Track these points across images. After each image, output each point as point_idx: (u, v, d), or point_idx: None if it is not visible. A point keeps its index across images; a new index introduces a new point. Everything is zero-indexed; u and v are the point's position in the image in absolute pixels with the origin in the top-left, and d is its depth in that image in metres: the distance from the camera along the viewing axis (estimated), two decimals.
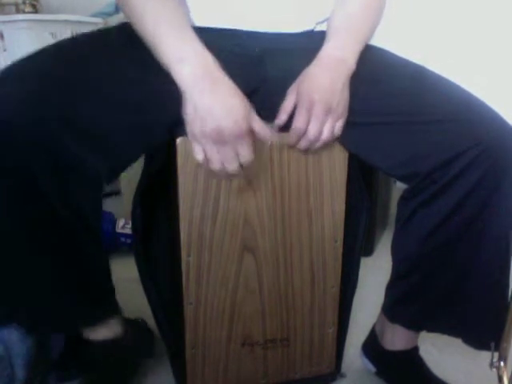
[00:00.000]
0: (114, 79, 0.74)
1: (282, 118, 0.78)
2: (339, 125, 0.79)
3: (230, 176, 0.75)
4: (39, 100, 0.68)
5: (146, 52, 0.75)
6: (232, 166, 0.73)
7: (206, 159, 0.73)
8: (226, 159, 0.72)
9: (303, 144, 0.79)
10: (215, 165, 0.73)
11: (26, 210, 0.72)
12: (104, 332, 0.90)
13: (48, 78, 0.71)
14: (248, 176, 0.81)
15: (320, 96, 0.75)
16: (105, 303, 0.88)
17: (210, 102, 0.71)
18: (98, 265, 0.84)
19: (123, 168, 0.78)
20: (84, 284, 0.82)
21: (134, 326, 0.98)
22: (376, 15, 0.87)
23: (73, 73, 0.73)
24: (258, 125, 0.73)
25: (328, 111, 0.76)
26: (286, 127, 0.79)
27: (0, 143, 0.67)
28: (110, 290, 0.88)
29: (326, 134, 0.78)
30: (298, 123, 0.77)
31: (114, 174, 0.78)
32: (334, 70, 0.78)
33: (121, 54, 0.78)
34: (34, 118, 0.67)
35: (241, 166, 0.74)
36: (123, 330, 0.93)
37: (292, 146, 0.81)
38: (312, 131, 0.77)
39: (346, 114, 0.78)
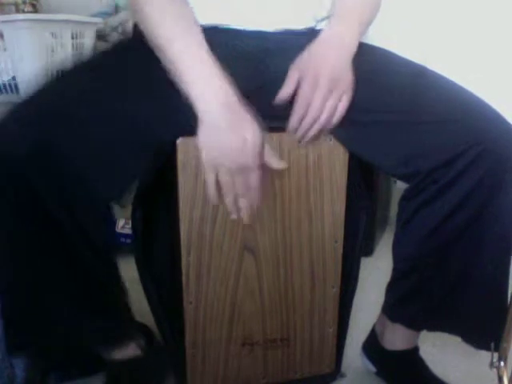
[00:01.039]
0: (120, 101, 0.75)
1: (286, 90, 0.77)
2: (344, 100, 0.77)
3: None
4: (47, 128, 0.71)
5: (153, 66, 0.75)
6: (241, 189, 0.74)
7: (217, 185, 0.74)
8: (237, 185, 0.74)
9: (305, 124, 0.78)
10: (226, 189, 0.74)
11: (34, 232, 0.73)
12: (123, 352, 0.92)
13: (53, 107, 0.74)
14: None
15: (325, 69, 0.75)
16: (120, 325, 0.90)
17: (229, 136, 0.71)
18: (110, 286, 0.86)
19: (129, 185, 0.79)
20: (97, 306, 0.84)
21: (151, 344, 0.99)
22: (374, 2, 0.88)
23: (77, 99, 0.75)
24: (272, 157, 0.76)
25: (332, 85, 0.75)
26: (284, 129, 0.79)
27: (8, 167, 0.69)
28: (126, 311, 0.90)
29: (328, 110, 0.76)
30: (301, 99, 0.76)
31: (122, 192, 0.79)
32: (337, 48, 0.79)
33: (128, 70, 0.79)
34: (41, 147, 0.70)
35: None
36: (140, 350, 0.94)
37: (293, 131, 0.79)
38: (315, 105, 0.76)
39: (351, 91, 0.78)
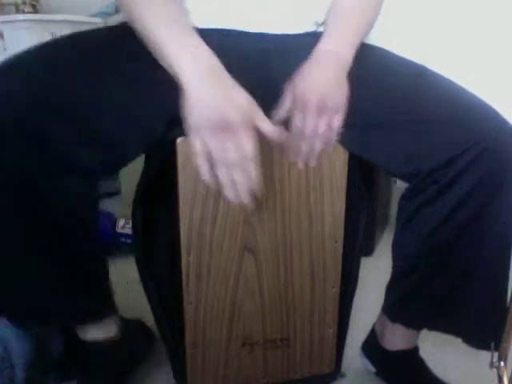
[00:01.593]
0: (112, 78, 0.74)
1: (280, 113, 0.77)
2: (337, 119, 0.77)
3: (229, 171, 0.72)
4: (36, 99, 0.68)
5: (144, 50, 0.75)
6: (233, 155, 0.70)
7: (206, 152, 0.71)
8: (227, 148, 0.70)
9: (304, 146, 0.78)
10: (216, 153, 0.70)
11: (22, 208, 0.72)
12: (100, 332, 0.90)
13: (46, 77, 0.71)
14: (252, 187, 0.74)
15: (313, 93, 0.75)
16: (101, 302, 0.88)
17: (215, 92, 0.70)
18: (94, 264, 0.83)
19: (120, 166, 0.78)
20: (80, 282, 0.81)
21: (131, 326, 0.98)
22: (373, 8, 0.87)
23: (71, 72, 0.73)
24: (263, 119, 0.72)
25: (322, 107, 0.75)
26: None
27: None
28: (107, 290, 0.88)
29: (322, 130, 0.76)
30: (295, 122, 0.76)
31: (111, 170, 0.78)
32: (329, 66, 0.78)
33: (122, 52, 0.78)
34: (32, 117, 0.68)
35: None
36: (120, 331, 0.93)
37: (295, 160, 0.81)
38: (308, 128, 0.76)
39: (343, 109, 0.77)
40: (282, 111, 0.78)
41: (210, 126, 0.70)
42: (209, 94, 0.70)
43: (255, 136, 0.71)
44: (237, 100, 0.71)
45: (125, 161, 0.78)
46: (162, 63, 0.74)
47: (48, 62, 0.73)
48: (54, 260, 0.77)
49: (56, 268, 0.78)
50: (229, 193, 0.73)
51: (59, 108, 0.70)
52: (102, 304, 0.88)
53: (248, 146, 0.70)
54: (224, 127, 0.69)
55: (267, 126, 0.73)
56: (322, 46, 0.80)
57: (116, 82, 0.74)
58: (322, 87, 0.75)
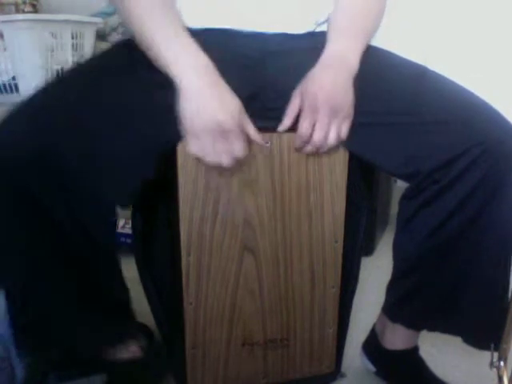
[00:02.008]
0: (119, 104, 0.75)
1: (285, 123, 0.78)
2: (345, 127, 0.78)
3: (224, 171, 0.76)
4: (45, 132, 0.71)
5: (145, 70, 0.76)
6: (226, 159, 0.74)
7: (201, 154, 0.74)
8: (220, 152, 0.73)
9: (309, 149, 0.79)
10: (210, 157, 0.74)
11: (39, 237, 0.74)
12: (122, 352, 0.92)
13: (53, 111, 0.73)
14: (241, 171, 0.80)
15: (323, 98, 0.75)
16: (122, 327, 0.91)
17: (209, 96, 0.72)
18: (115, 289, 0.86)
19: (134, 192, 0.79)
20: (100, 308, 0.84)
21: (150, 344, 0.99)
22: (377, 14, 0.87)
23: (78, 101, 0.75)
24: (251, 127, 0.75)
25: (333, 113, 0.76)
26: (291, 129, 0.79)
27: (8, 171, 0.69)
28: (129, 313, 0.90)
29: (332, 138, 0.77)
30: (303, 128, 0.76)
31: (126, 197, 0.79)
32: (337, 72, 0.78)
33: (122, 76, 0.79)
34: (40, 151, 0.70)
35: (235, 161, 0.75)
36: (141, 350, 0.94)
37: (298, 150, 0.81)
38: (317, 136, 0.77)
39: (351, 116, 0.78)
40: (289, 117, 0.78)
41: (203, 130, 0.72)
42: (203, 98, 0.72)
43: (245, 139, 0.74)
44: (229, 105, 0.72)
45: (138, 185, 0.78)
46: (157, 64, 0.75)
47: (52, 103, 0.75)
48: (72, 286, 0.80)
49: (75, 294, 0.80)
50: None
51: (67, 144, 0.72)
52: (123, 329, 0.91)
53: (240, 150, 0.74)
54: (217, 132, 0.71)
55: (254, 134, 0.76)
56: (331, 50, 0.81)
57: (122, 107, 0.75)
58: (332, 93, 0.76)
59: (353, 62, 0.80)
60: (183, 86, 0.72)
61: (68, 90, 0.78)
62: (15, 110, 0.74)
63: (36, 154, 0.70)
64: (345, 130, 0.78)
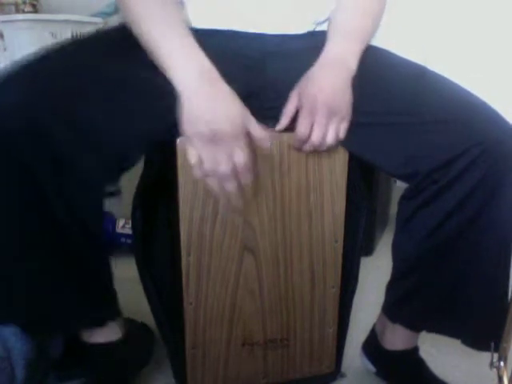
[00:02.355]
0: (114, 81, 0.74)
1: (283, 122, 0.78)
2: (343, 127, 0.78)
3: (225, 187, 0.73)
4: (39, 103, 0.69)
5: (143, 53, 0.75)
6: (224, 168, 0.71)
7: (200, 160, 0.72)
8: (219, 160, 0.71)
9: (307, 148, 0.79)
10: (208, 165, 0.71)
11: (26, 212, 0.72)
12: (103, 335, 0.90)
13: (49, 81, 0.71)
14: (242, 189, 0.75)
15: (322, 99, 0.75)
16: (105, 306, 0.87)
17: (208, 104, 0.71)
18: (98, 267, 0.83)
19: (124, 170, 0.78)
20: (84, 286, 0.81)
21: (133, 328, 0.98)
22: (377, 14, 0.87)
23: (73, 76, 0.73)
24: (255, 127, 0.73)
25: (331, 114, 0.76)
26: (291, 129, 0.79)
27: (4, 134, 0.67)
28: (111, 293, 0.88)
29: (330, 138, 0.77)
30: (301, 128, 0.76)
31: (116, 175, 0.78)
32: (336, 72, 0.78)
33: (122, 55, 0.78)
34: (34, 121, 0.68)
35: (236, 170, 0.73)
36: (124, 333, 0.92)
37: (296, 149, 0.81)
38: (316, 136, 0.77)
39: (349, 116, 0.78)
40: (287, 116, 0.78)
41: (202, 138, 0.70)
42: (202, 104, 0.70)
43: (248, 145, 0.72)
44: (229, 111, 0.71)
45: (127, 164, 0.78)
46: (157, 64, 0.74)
47: (49, 72, 0.73)
48: (57, 264, 0.77)
49: (59, 272, 0.78)
50: (221, 198, 0.74)
51: (60, 117, 0.70)
52: (106, 308, 0.88)
53: (240, 157, 0.71)
54: (216, 140, 0.70)
55: (260, 134, 0.73)
56: (330, 51, 0.81)
57: (115, 87, 0.74)
58: (330, 94, 0.76)
59: (351, 63, 0.80)
60: (182, 90, 0.71)
61: (68, 60, 0.76)
62: (13, 72, 0.71)
63: (24, 127, 0.67)
64: (343, 131, 0.78)
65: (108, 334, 0.90)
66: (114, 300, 0.88)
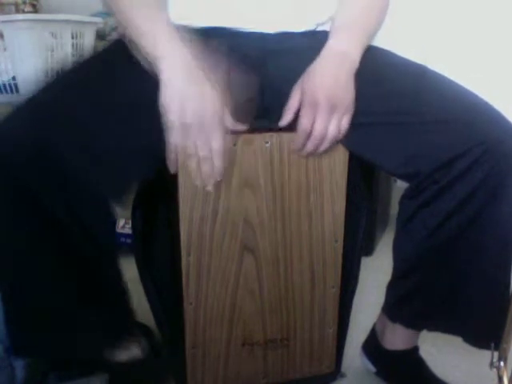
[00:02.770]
0: (118, 102, 0.75)
1: (287, 118, 0.78)
2: (345, 121, 0.78)
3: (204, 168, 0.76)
4: (47, 124, 0.71)
5: (140, 70, 0.76)
6: (203, 153, 0.74)
7: (181, 145, 0.74)
8: (199, 145, 0.73)
9: (310, 145, 0.79)
10: (190, 150, 0.74)
11: (38, 235, 0.74)
12: (124, 354, 0.91)
13: (54, 106, 0.74)
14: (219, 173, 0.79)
15: (323, 93, 0.75)
16: (122, 327, 0.90)
17: (191, 90, 0.72)
18: (113, 285, 0.86)
19: (129, 186, 0.80)
20: (100, 306, 0.83)
21: (154, 346, 0.99)
22: (380, 12, 0.87)
23: (77, 98, 0.75)
24: (228, 119, 0.75)
25: (332, 108, 0.76)
26: (291, 128, 0.79)
27: (7, 169, 0.70)
28: (127, 312, 0.90)
29: (332, 132, 0.77)
30: (304, 123, 0.76)
31: (122, 192, 0.79)
32: (338, 66, 0.78)
33: (123, 73, 0.79)
34: (42, 142, 0.70)
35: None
36: (142, 351, 0.94)
37: (298, 151, 0.81)
38: (318, 129, 0.76)
39: (351, 110, 0.78)
40: (290, 111, 0.78)
41: (183, 125, 0.72)
42: (183, 92, 0.72)
43: (224, 131, 0.74)
44: (209, 99, 0.72)
45: (132, 182, 0.80)
46: (141, 52, 0.75)
47: (52, 97, 0.76)
48: (70, 284, 0.79)
49: (72, 292, 0.80)
50: (195, 178, 0.77)
51: (67, 136, 0.72)
52: (124, 329, 0.90)
53: (217, 143, 0.73)
54: (197, 127, 0.72)
55: (232, 124, 0.76)
56: (332, 44, 0.81)
57: (120, 104, 0.75)
58: (332, 87, 0.76)
59: (354, 56, 0.79)
60: (163, 78, 0.72)
61: (67, 88, 0.78)
62: (16, 108, 0.74)
63: (35, 150, 0.69)
64: (345, 124, 0.78)
65: (127, 353, 0.92)
66: (131, 318, 0.91)
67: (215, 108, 0.72)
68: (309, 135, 0.78)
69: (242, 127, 0.77)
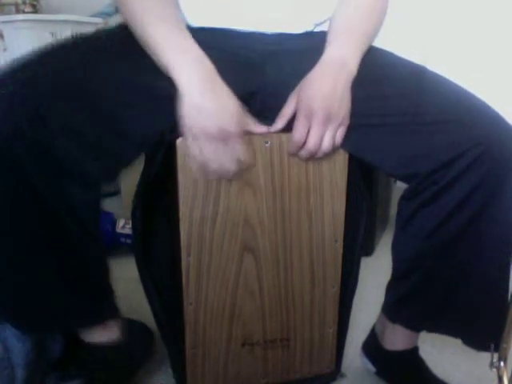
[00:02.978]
0: (110, 82, 0.74)
1: (278, 125, 0.78)
2: (340, 133, 0.78)
3: (224, 176, 0.78)
4: (35, 105, 0.69)
5: (142, 53, 0.75)
6: (231, 166, 0.75)
7: (203, 160, 0.74)
8: (224, 158, 0.74)
9: (303, 154, 0.79)
10: (213, 164, 0.74)
11: (23, 211, 0.72)
12: (102, 335, 0.90)
13: (45, 82, 0.71)
14: (242, 175, 0.81)
15: (319, 103, 0.74)
16: (103, 305, 0.88)
17: (211, 102, 0.71)
18: (96, 266, 0.84)
19: (120, 169, 0.78)
20: (82, 285, 0.82)
21: (133, 329, 0.98)
22: (378, 18, 0.87)
23: (70, 77, 0.73)
24: (250, 122, 0.76)
25: (328, 119, 0.75)
26: (288, 128, 0.79)
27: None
28: (109, 292, 0.88)
29: (326, 144, 0.77)
30: (297, 134, 0.76)
31: (112, 175, 0.78)
32: (335, 76, 0.77)
33: (120, 56, 0.78)
34: (31, 123, 0.68)
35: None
36: (122, 333, 0.93)
37: (292, 154, 0.81)
38: (312, 141, 0.76)
39: (347, 121, 0.77)
40: (283, 119, 0.78)
41: (204, 134, 0.72)
42: (203, 102, 0.71)
43: (246, 141, 0.75)
44: (229, 108, 0.72)
45: (122, 164, 0.78)
46: (157, 64, 0.74)
47: (48, 69, 0.73)
48: (56, 262, 0.78)
49: (58, 271, 0.78)
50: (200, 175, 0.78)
51: (58, 119, 0.70)
52: (104, 307, 0.88)
53: (242, 155, 0.75)
54: (218, 136, 0.72)
55: (259, 129, 0.77)
56: (329, 54, 0.80)
57: (112, 88, 0.74)
58: (330, 100, 0.75)
59: (352, 67, 0.79)
60: (183, 89, 0.72)
61: (63, 59, 0.76)
62: (10, 71, 0.71)
63: (22, 121, 0.67)
64: (340, 137, 0.78)
65: (107, 334, 0.91)
66: (112, 299, 0.89)
67: (234, 119, 0.72)
68: (302, 145, 0.78)
69: (264, 129, 0.78)
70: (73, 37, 0.83)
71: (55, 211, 0.73)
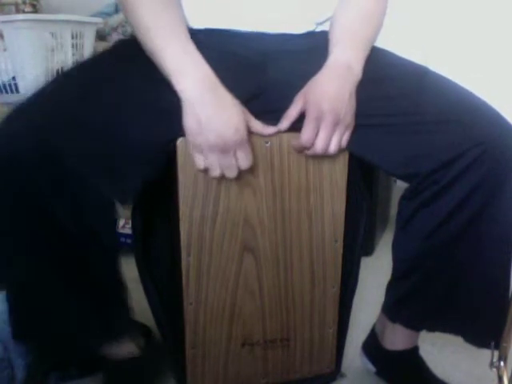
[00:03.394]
0: (120, 102, 0.75)
1: (284, 125, 0.79)
2: (346, 136, 0.78)
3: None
4: (50, 125, 0.71)
5: (146, 67, 0.76)
6: (232, 173, 0.75)
7: (207, 168, 0.75)
8: (226, 166, 0.74)
9: (309, 153, 0.79)
10: (216, 172, 0.75)
11: (39, 233, 0.74)
12: (120, 350, 0.92)
13: (55, 107, 0.74)
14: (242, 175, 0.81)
15: (329, 106, 0.75)
16: (120, 322, 0.90)
17: (213, 113, 0.72)
18: (113, 282, 0.86)
19: (135, 190, 0.79)
20: (99, 304, 0.84)
21: (150, 344, 0.99)
22: (378, 20, 0.87)
23: (78, 99, 0.75)
24: (257, 126, 0.77)
25: (336, 122, 0.75)
26: (289, 128, 0.79)
27: (12, 170, 0.70)
28: (126, 309, 0.90)
29: (333, 147, 0.78)
30: (306, 135, 0.76)
31: (127, 196, 0.79)
32: (342, 79, 0.77)
33: (122, 75, 0.78)
34: (44, 142, 0.70)
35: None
36: (139, 350, 0.94)
37: (297, 152, 0.81)
38: (320, 144, 0.77)
39: (353, 124, 0.78)
40: (288, 120, 0.78)
41: (207, 146, 0.72)
42: (208, 113, 0.72)
43: (251, 149, 0.76)
44: (232, 120, 0.72)
45: (137, 184, 0.78)
46: (161, 71, 0.75)
47: (54, 103, 0.75)
48: (72, 281, 0.80)
49: (75, 292, 0.81)
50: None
51: (70, 137, 0.72)
52: (122, 326, 0.90)
53: (245, 162, 0.75)
54: (221, 148, 0.72)
55: (266, 131, 0.78)
56: (334, 58, 0.80)
57: (125, 106, 0.75)
58: (338, 102, 0.75)
59: (357, 71, 0.79)
60: (186, 98, 0.72)
61: (68, 89, 0.78)
62: (15, 110, 0.74)
63: (36, 153, 0.69)
64: (346, 139, 0.79)
65: (124, 349, 0.92)
66: (128, 317, 0.91)
67: (237, 131, 0.72)
68: (309, 147, 0.78)
69: (271, 130, 0.78)
70: (75, 64, 0.85)
71: (72, 234, 0.75)
